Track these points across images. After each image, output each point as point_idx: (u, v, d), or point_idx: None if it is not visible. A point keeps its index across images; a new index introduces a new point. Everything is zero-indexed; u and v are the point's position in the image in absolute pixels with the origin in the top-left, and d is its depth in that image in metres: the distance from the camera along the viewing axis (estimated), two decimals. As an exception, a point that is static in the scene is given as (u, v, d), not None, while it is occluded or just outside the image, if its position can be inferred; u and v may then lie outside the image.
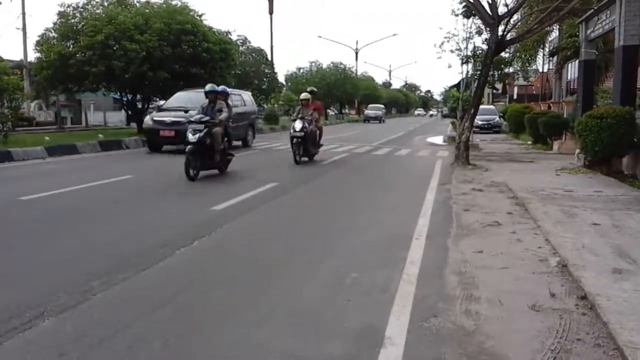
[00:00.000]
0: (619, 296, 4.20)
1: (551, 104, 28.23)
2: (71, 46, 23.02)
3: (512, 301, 4.30)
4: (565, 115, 20.30)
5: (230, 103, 14.31)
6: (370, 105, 66.14)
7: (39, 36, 24.32)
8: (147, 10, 24.31)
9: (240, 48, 36.08)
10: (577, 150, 13.85)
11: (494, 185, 10.54)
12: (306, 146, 14.97)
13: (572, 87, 30.05)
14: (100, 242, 6.23)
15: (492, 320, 3.95)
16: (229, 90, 14.53)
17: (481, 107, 20.50)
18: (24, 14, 32.77)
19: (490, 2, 14.30)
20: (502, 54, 24.97)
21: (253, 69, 37.04)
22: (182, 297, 4.52)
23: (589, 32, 15.68)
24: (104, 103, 39.86)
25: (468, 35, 26.45)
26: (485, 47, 22.59)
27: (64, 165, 14.27)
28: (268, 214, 8.30)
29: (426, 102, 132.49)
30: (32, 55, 27.89)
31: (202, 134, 11.07)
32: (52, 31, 23.90)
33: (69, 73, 22.31)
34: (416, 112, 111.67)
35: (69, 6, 23.88)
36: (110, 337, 3.68)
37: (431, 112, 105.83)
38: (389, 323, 3.94)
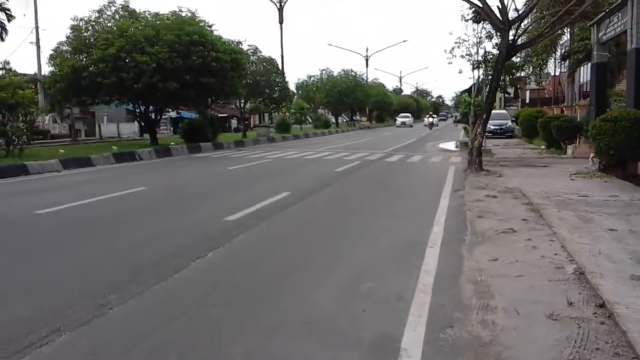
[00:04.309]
0: (637, 304, 4.14)
1: (564, 108, 28.06)
2: (84, 59, 23.32)
3: (529, 310, 4.26)
4: (578, 119, 20.18)
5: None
6: None
7: (52, 50, 24.71)
8: (158, 23, 24.55)
9: (251, 58, 36.14)
10: (592, 154, 13.74)
11: (508, 191, 10.47)
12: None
13: (585, 91, 29.89)
14: (115, 255, 6.26)
15: (509, 330, 3.90)
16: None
17: (493, 111, 20.43)
18: (37, 28, 33.25)
19: (500, 7, 14.26)
20: (514, 58, 24.86)
21: (264, 78, 37.07)
22: (197, 308, 4.53)
23: (600, 34, 15.59)
24: (117, 115, 40.23)
25: (478, 40, 26.47)
26: (496, 52, 22.55)
27: (79, 178, 14.41)
28: (281, 223, 8.30)
29: (437, 107, 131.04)
30: (46, 69, 28.26)
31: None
32: (65, 45, 24.21)
33: (82, 86, 22.58)
34: (399, 121, 68.60)
35: (81, 20, 24.19)
36: (127, 352, 3.69)
37: (431, 119, 59.70)
38: (405, 333, 3.91)
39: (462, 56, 28.18)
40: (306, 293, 4.91)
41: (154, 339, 3.91)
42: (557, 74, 41.62)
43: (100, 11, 24.96)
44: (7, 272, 5.68)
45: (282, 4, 41.08)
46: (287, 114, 50.53)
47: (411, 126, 65.80)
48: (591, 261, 5.34)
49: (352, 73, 65.33)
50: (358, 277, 5.27)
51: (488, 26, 23.78)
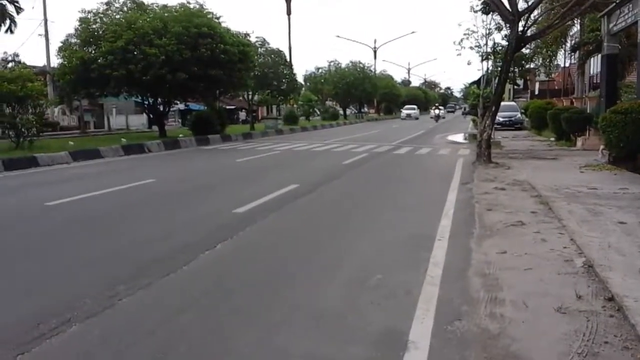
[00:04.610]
0: (647, 297, 4.12)
1: (574, 100, 27.86)
2: (92, 51, 23.38)
3: (538, 303, 4.24)
4: (588, 111, 20.02)
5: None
6: None
7: (61, 42, 24.79)
8: (166, 15, 24.54)
9: (259, 50, 36.10)
10: (602, 147, 13.65)
11: (516, 184, 10.43)
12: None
13: (595, 82, 29.66)
14: (125, 247, 6.30)
15: (517, 323, 3.90)
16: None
17: (502, 103, 20.33)
18: (46, 20, 33.31)
19: (509, -2, 14.15)
20: (523, 49, 24.67)
21: (272, 70, 37.05)
22: (206, 300, 4.55)
23: (611, 25, 15.43)
24: (126, 107, 40.38)
25: (487, 31, 26.21)
26: (505, 43, 22.37)
27: (88, 170, 14.48)
28: (289, 216, 8.31)
29: (445, 99, 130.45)
30: (55, 61, 28.34)
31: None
32: (74, 37, 24.28)
33: (91, 78, 22.65)
34: (404, 113, 66.54)
35: (89, 12, 24.24)
36: (136, 343, 3.72)
37: (437, 112, 57.58)
38: (413, 326, 3.92)
39: (471, 48, 28.05)
40: (314, 286, 4.92)
41: (163, 330, 3.94)
42: (567, 65, 41.32)
43: (108, 3, 25.00)
44: (17, 264, 5.73)
45: (290, -5, 40.96)
46: (295, 106, 50.49)
47: (417, 118, 62.98)
48: (600, 254, 5.32)
49: (360, 65, 65.21)
50: (366, 270, 5.28)
51: (497, 17, 23.56)
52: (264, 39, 37.58)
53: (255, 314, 4.23)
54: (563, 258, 5.41)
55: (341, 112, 64.92)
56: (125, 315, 4.24)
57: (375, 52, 71.00)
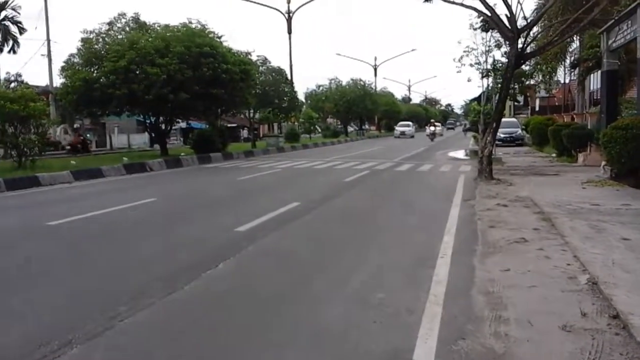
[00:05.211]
0: (652, 315, 4.09)
1: (574, 116, 27.96)
2: (95, 71, 23.51)
3: (542, 322, 4.21)
4: (589, 127, 20.05)
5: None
6: None
7: (63, 62, 24.93)
8: (168, 34, 24.72)
9: (260, 68, 36.32)
10: (603, 162, 13.64)
11: (518, 200, 10.40)
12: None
13: (595, 98, 29.73)
14: (126, 267, 6.28)
15: (522, 342, 3.86)
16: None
17: (503, 119, 20.34)
18: (48, 40, 33.61)
19: (508, 15, 14.25)
20: (523, 66, 24.78)
21: (273, 88, 37.24)
22: (208, 320, 4.52)
23: (610, 42, 15.51)
24: (128, 126, 40.54)
25: (487, 49, 26.30)
26: (505, 60, 22.49)
27: (90, 189, 14.49)
28: (291, 234, 8.29)
29: (446, 115, 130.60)
30: (58, 81, 28.49)
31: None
32: (77, 57, 24.44)
33: (94, 97, 22.77)
34: (398, 130, 60.22)
35: (91, 32, 24.42)
36: (138, 364, 3.69)
37: (432, 129, 48.86)
38: (417, 346, 3.87)
39: (470, 65, 28.06)
40: (317, 305, 4.89)
41: (165, 350, 3.91)
42: (567, 81, 41.53)
43: (110, 23, 25.22)
44: (18, 284, 5.70)
45: (291, 14, 41.30)
46: (296, 123, 50.64)
47: (412, 136, 57.08)
48: (604, 271, 5.28)
49: (361, 82, 65.55)
50: (369, 288, 5.24)
51: (497, 35, 23.70)
52: (265, 58, 37.87)
53: (257, 334, 4.20)
54: (567, 275, 5.38)
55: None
56: (126, 336, 4.21)
57: (375, 69, 71.47)
